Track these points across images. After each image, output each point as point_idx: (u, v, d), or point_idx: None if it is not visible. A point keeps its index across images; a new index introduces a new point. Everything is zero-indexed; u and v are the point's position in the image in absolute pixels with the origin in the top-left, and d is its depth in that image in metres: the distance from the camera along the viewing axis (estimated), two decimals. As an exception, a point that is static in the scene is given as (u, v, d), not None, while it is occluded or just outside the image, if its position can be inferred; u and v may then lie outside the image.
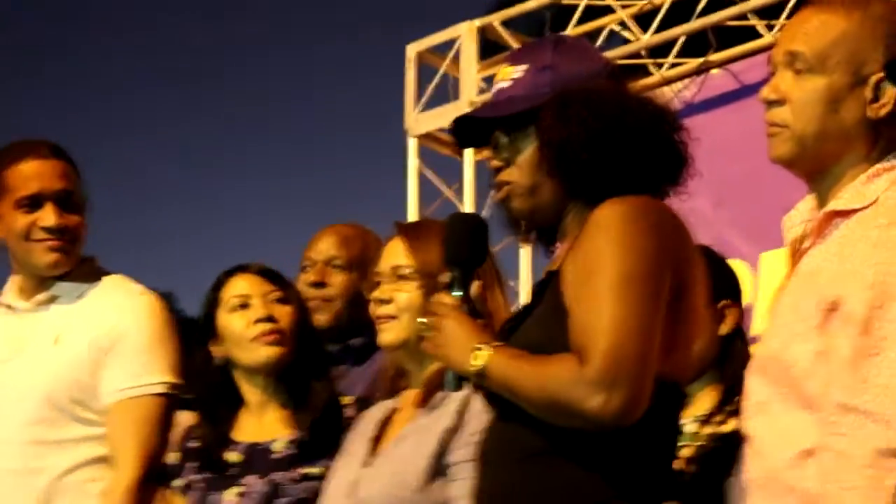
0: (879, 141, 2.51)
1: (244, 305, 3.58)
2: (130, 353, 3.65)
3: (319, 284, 4.20)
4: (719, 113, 6.44)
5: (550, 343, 2.60)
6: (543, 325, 2.65)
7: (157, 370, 3.67)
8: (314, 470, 3.43)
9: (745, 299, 3.68)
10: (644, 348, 2.50)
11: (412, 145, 7.68)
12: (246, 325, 3.55)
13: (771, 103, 2.57)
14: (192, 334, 3.73)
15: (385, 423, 3.29)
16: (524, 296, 7.10)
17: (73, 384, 3.65)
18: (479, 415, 3.02)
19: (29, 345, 3.75)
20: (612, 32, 7.13)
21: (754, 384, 2.55)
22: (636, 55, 6.95)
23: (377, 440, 3.25)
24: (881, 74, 2.49)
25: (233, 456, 3.53)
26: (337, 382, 3.99)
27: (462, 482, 3.00)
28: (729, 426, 3.23)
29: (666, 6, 6.77)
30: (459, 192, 7.71)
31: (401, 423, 3.23)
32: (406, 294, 3.22)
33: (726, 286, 3.48)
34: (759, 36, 6.45)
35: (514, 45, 7.29)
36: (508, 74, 2.81)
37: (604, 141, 2.66)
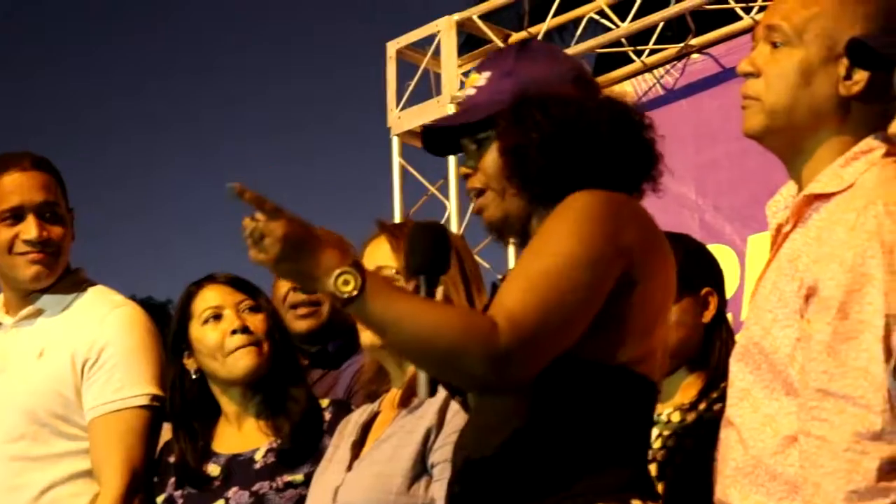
0: (850, 118, 2.49)
1: (217, 317, 3.55)
2: (111, 367, 3.63)
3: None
4: (701, 97, 6.43)
5: None
6: None
7: (138, 382, 3.64)
8: (297, 477, 3.42)
9: (734, 284, 3.67)
10: (550, 325, 2.46)
11: (395, 143, 7.66)
12: (221, 338, 3.52)
13: (747, 76, 2.56)
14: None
15: (367, 427, 3.26)
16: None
17: (55, 398, 3.63)
18: (460, 414, 3.01)
19: (14, 360, 3.73)
20: (591, 21, 7.11)
21: (737, 371, 2.54)
22: (616, 43, 6.95)
23: (360, 444, 3.23)
24: None
25: (214, 469, 3.50)
26: (317, 385, 3.98)
27: (443, 482, 2.98)
28: (713, 413, 3.22)
29: (643, -7, 6.76)
30: (444, 189, 7.69)
31: (382, 425, 3.21)
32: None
33: (707, 274, 3.47)
34: (738, 18, 6.44)
35: (494, 38, 7.28)
36: (474, 82, 2.83)
37: (559, 144, 2.66)
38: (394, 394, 3.24)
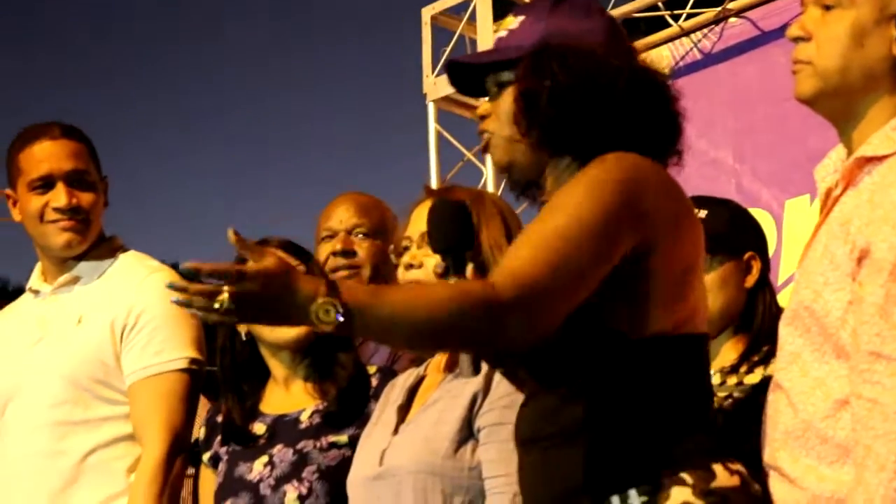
0: None
1: None
2: (150, 331, 3.65)
3: (347, 253, 4.19)
4: (739, 62, 6.40)
5: None
6: None
7: (177, 346, 3.66)
8: (341, 438, 3.44)
9: (770, 249, 3.67)
10: (551, 280, 2.40)
11: (431, 109, 7.66)
12: None
13: (797, 40, 2.55)
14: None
15: (414, 391, 3.28)
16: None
17: (95, 364, 3.65)
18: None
19: (53, 327, 3.76)
20: (629, -15, 7.08)
21: (786, 335, 2.53)
22: (653, 7, 6.91)
23: (406, 408, 3.24)
24: None
25: (259, 428, 3.54)
26: (359, 349, 4.00)
27: (490, 446, 3.00)
28: (755, 377, 3.22)
29: (681, -44, 6.73)
30: (481, 155, 7.69)
31: (428, 389, 3.23)
32: (435, 260, 3.19)
33: (750, 238, 3.46)
34: (776, -18, 6.40)
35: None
36: (508, 25, 2.81)
37: (570, 96, 2.62)
38: (439, 358, 3.25)
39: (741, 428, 2.97)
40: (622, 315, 2.55)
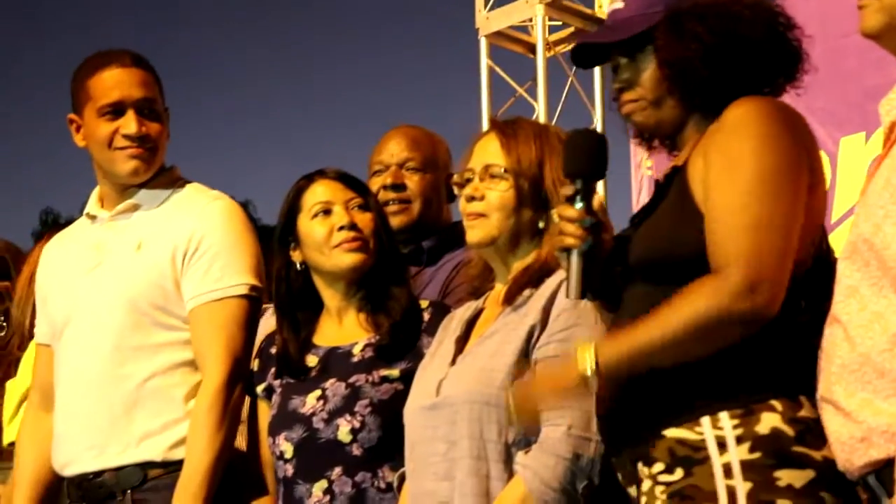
0: None
1: (326, 212, 3.59)
2: (210, 257, 3.66)
3: (398, 187, 4.19)
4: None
5: (675, 235, 2.68)
6: (669, 219, 2.73)
7: (238, 272, 3.67)
8: (393, 372, 3.46)
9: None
10: (783, 246, 2.57)
11: (483, 44, 7.63)
12: (329, 233, 3.56)
13: None
14: (268, 242, 3.74)
15: (472, 323, 3.29)
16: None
17: (155, 290, 3.67)
18: (565, 312, 3.02)
19: (111, 253, 3.77)
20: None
21: (844, 268, 2.53)
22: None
23: (464, 340, 3.25)
24: None
25: (312, 360, 3.56)
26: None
27: None
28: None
29: None
30: (532, 91, 7.66)
31: (486, 321, 3.23)
32: (498, 193, 3.20)
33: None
34: (834, -83, 6.31)
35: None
36: None
37: (721, 54, 2.73)
38: (498, 290, 3.25)
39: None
40: None
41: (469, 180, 3.24)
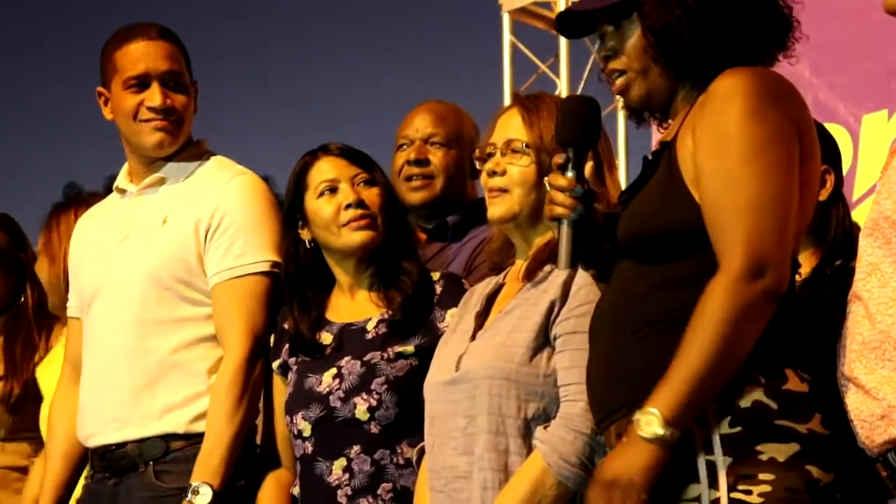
0: None
1: (332, 190, 3.57)
2: (233, 233, 3.68)
3: (421, 162, 4.19)
4: (819, -25, 6.31)
5: (662, 213, 2.65)
6: (659, 194, 2.70)
7: (260, 249, 3.69)
8: (407, 348, 3.46)
9: (846, 164, 3.64)
10: (782, 223, 2.54)
11: (506, 20, 7.62)
12: (336, 211, 3.55)
13: None
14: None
15: (492, 298, 3.29)
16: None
17: (179, 264, 3.69)
18: (585, 288, 3.03)
19: (138, 227, 3.79)
20: None
21: (866, 246, 2.53)
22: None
23: (484, 315, 3.26)
24: None
25: (326, 337, 3.56)
26: (435, 259, 4.00)
27: (565, 354, 3.03)
28: (828, 290, 3.21)
29: None
30: (555, 67, 7.66)
31: (507, 297, 3.23)
32: (519, 168, 3.19)
33: (825, 152, 3.44)
34: None
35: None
36: None
37: (705, 20, 2.68)
38: (519, 266, 3.25)
39: (813, 342, 2.97)
40: None
41: (491, 155, 3.23)
